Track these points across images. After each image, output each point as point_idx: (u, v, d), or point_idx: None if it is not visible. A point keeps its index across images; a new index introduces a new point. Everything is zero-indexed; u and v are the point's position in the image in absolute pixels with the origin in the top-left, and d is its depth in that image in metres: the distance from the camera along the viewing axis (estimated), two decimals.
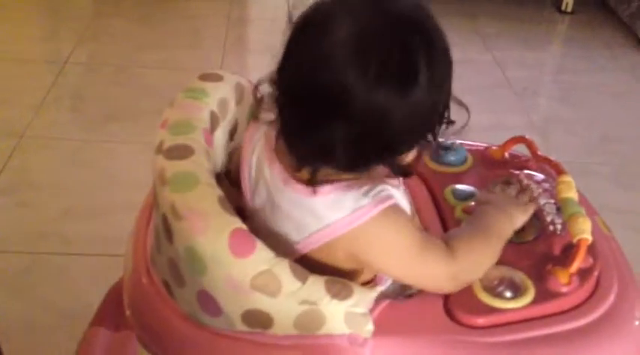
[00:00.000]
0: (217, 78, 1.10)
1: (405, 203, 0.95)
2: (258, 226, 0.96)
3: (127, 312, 1.04)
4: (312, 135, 0.86)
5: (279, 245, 0.92)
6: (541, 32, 3.44)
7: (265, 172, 0.96)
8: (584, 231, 1.02)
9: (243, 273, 0.86)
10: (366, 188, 0.90)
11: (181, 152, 0.96)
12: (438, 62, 0.87)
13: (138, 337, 1.02)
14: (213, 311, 0.91)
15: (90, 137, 2.33)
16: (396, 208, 0.91)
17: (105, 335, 1.31)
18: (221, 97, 1.07)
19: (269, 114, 0.97)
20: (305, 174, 0.91)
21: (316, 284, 0.88)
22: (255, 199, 0.98)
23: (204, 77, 1.10)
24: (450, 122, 0.92)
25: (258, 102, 0.99)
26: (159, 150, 0.97)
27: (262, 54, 3.02)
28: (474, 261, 0.98)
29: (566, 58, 3.27)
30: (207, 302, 0.90)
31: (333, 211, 0.89)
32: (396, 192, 0.92)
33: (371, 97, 0.83)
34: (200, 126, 1.01)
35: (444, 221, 1.13)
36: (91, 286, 1.70)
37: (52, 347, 1.55)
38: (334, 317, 0.89)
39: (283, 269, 0.87)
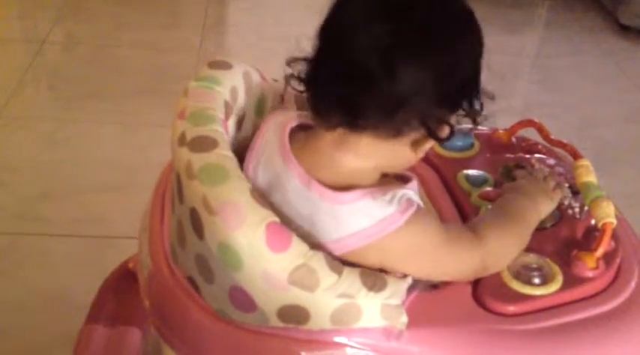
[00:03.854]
0: (227, 66, 1.07)
1: (420, 201, 0.94)
2: None
3: (146, 302, 1.02)
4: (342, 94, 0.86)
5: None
6: (521, 16, 3.44)
7: (278, 170, 0.93)
8: (608, 214, 1.01)
9: (280, 268, 0.84)
10: (390, 195, 0.88)
11: (206, 144, 0.92)
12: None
13: (155, 326, 1.00)
14: (247, 308, 0.89)
15: (68, 117, 2.30)
16: (419, 212, 0.90)
17: (101, 333, 1.29)
18: (232, 86, 1.05)
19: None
20: (327, 176, 0.90)
21: (352, 277, 0.86)
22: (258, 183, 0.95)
23: (214, 65, 1.07)
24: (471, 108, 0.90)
25: (287, 79, 0.95)
26: (182, 141, 0.94)
27: (242, 35, 3.00)
28: (502, 246, 0.97)
29: (546, 42, 3.27)
30: (241, 298, 0.88)
31: (359, 219, 0.88)
32: (413, 194, 0.91)
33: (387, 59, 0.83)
34: (218, 117, 0.98)
35: (460, 208, 1.11)
36: (70, 267, 1.70)
37: (33, 327, 1.54)
38: (371, 310, 0.88)
39: (319, 263, 0.85)
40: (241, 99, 1.07)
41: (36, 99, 2.40)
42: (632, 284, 1.02)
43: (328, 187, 0.89)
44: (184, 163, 0.91)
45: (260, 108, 1.11)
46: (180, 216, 0.94)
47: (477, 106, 0.90)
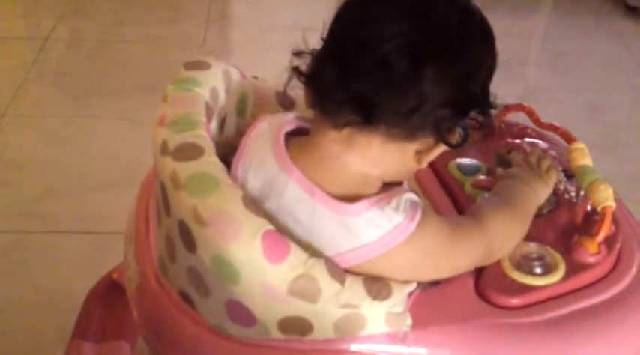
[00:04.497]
0: (205, 66, 1.03)
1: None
2: None
3: (135, 313, 1.00)
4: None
5: None
6: (527, 0, 3.41)
7: (272, 175, 0.88)
8: (607, 198, 0.99)
9: (279, 279, 0.80)
10: (395, 202, 0.85)
11: (191, 151, 0.88)
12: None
13: (146, 340, 0.98)
14: (246, 321, 0.86)
15: (73, 113, 2.30)
16: (425, 215, 0.87)
17: (89, 348, 1.27)
18: (212, 86, 1.01)
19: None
20: (329, 182, 0.86)
21: (355, 286, 0.83)
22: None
23: (191, 66, 1.03)
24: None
25: (295, 71, 0.90)
26: (164, 151, 0.90)
27: (246, 29, 2.99)
28: (504, 231, 0.96)
29: (553, 26, 3.24)
30: (239, 311, 0.85)
31: (368, 231, 0.84)
32: (413, 195, 0.89)
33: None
34: (201, 120, 0.95)
35: (453, 198, 1.08)
36: (76, 263, 1.70)
37: (38, 326, 1.53)
38: (375, 319, 0.85)
39: (320, 271, 0.81)
40: (222, 99, 1.03)
41: (40, 97, 2.40)
42: (634, 267, 1.00)
43: (333, 196, 0.85)
44: (169, 173, 0.87)
45: (241, 108, 1.08)
46: (168, 229, 0.91)
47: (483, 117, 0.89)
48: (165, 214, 0.91)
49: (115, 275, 1.34)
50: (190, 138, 0.90)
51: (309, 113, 0.93)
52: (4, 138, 2.17)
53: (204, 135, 0.92)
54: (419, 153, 0.87)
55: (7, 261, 1.71)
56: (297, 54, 0.88)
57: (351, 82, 0.82)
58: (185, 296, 0.91)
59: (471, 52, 0.85)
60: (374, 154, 0.86)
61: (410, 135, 0.84)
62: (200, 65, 1.03)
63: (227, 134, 1.04)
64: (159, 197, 0.93)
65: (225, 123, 1.04)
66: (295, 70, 0.89)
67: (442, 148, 0.88)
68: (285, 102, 1.09)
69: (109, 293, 1.35)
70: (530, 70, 2.87)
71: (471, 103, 0.86)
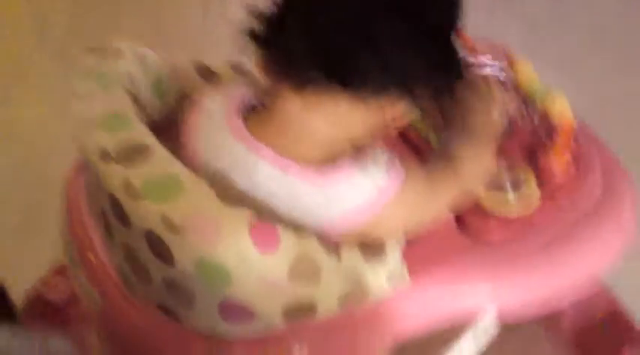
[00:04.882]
0: (116, 52, 0.97)
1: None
2: None
3: (100, 334, 0.98)
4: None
5: None
6: None
7: (238, 156, 0.84)
8: (563, 111, 0.99)
9: (277, 268, 0.77)
10: (371, 163, 0.85)
11: (138, 154, 0.82)
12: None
13: None
14: (244, 319, 0.82)
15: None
16: (404, 169, 0.86)
17: None
18: (128, 72, 0.95)
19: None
20: (302, 151, 0.84)
21: (352, 255, 0.83)
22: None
23: (104, 54, 0.97)
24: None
25: (251, 34, 0.86)
26: (105, 157, 0.83)
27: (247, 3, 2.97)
28: (475, 168, 0.95)
29: None
30: (234, 310, 0.81)
31: (352, 194, 0.83)
32: (382, 148, 0.88)
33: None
34: (132, 114, 0.88)
35: (409, 141, 1.07)
36: None
37: None
38: (376, 283, 0.85)
39: (315, 248, 0.79)
40: (142, 85, 0.98)
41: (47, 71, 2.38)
42: (597, 186, 1.01)
43: (307, 166, 0.83)
44: (120, 182, 0.81)
45: (159, 88, 1.02)
46: (128, 242, 0.85)
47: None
48: (121, 226, 0.85)
49: (42, 291, 1.25)
50: (132, 138, 0.84)
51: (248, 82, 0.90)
52: (12, 112, 2.17)
53: (145, 129, 0.86)
54: (385, 113, 0.85)
55: (20, 238, 1.71)
56: (255, 15, 0.84)
57: (326, 36, 0.79)
58: (165, 308, 0.87)
59: (443, 3, 0.83)
60: (341, 117, 0.83)
61: (379, 93, 0.82)
62: (111, 52, 0.97)
63: (152, 117, 0.99)
64: (108, 210, 0.86)
65: (147, 107, 0.99)
66: (251, 33, 0.84)
67: (410, 110, 0.86)
68: (206, 74, 1.05)
69: (41, 317, 1.26)
70: (532, 5, 2.83)
71: (443, 60, 0.84)
